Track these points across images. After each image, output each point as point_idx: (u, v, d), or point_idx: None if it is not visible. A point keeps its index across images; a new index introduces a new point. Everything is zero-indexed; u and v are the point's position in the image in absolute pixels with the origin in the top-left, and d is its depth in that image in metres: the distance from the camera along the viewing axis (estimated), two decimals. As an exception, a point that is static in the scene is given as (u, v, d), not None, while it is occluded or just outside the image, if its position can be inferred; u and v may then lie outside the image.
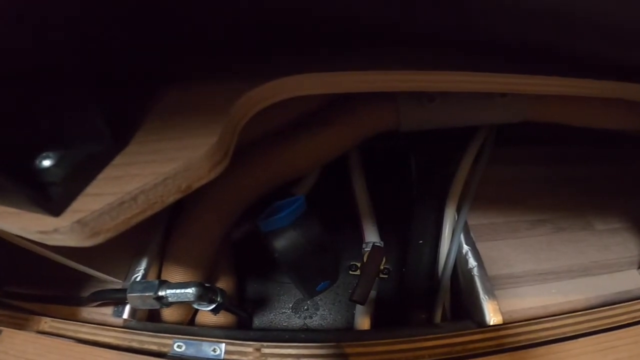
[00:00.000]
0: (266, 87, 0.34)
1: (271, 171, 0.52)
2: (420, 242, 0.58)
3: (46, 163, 0.24)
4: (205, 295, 0.38)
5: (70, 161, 0.24)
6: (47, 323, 0.41)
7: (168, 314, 0.48)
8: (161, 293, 0.37)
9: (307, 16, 0.37)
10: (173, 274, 0.48)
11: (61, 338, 0.40)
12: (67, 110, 0.26)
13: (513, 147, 0.70)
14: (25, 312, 0.43)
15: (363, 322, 0.54)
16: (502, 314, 0.45)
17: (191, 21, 0.36)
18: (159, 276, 0.50)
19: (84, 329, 0.41)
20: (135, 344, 0.39)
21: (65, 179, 0.23)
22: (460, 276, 0.54)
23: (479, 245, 0.53)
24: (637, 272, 0.55)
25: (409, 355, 0.38)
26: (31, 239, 0.23)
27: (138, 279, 0.46)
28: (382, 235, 0.59)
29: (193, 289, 0.37)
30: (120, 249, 0.47)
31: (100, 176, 0.25)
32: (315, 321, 0.62)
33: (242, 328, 0.57)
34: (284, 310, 0.62)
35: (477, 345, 0.40)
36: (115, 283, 0.46)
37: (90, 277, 0.45)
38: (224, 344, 0.39)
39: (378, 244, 0.57)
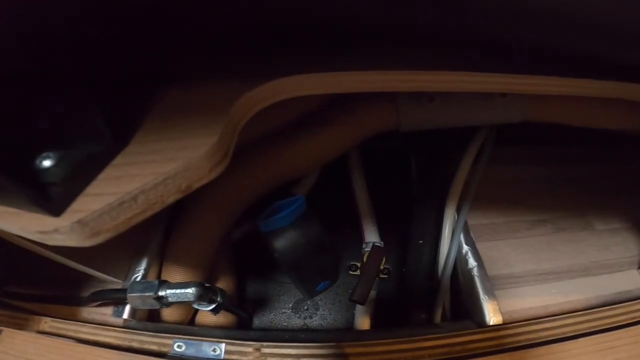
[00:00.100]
0: (266, 87, 0.34)
1: (271, 171, 0.52)
2: (420, 242, 0.58)
3: (46, 163, 0.24)
4: (205, 295, 0.38)
5: (70, 161, 0.24)
6: (47, 323, 0.41)
7: (168, 314, 0.48)
8: (161, 293, 0.37)
9: (307, 16, 0.37)
10: (173, 274, 0.48)
11: (61, 338, 0.40)
12: (67, 110, 0.26)
13: (513, 147, 0.70)
14: (25, 312, 0.43)
15: (363, 322, 0.54)
16: (502, 314, 0.45)
17: (191, 21, 0.36)
18: (159, 276, 0.50)
19: (84, 329, 0.41)
20: (135, 344, 0.39)
21: (65, 179, 0.23)
22: (460, 276, 0.54)
23: (479, 245, 0.53)
24: (637, 272, 0.55)
25: (409, 355, 0.38)
26: (31, 239, 0.23)
27: (138, 279, 0.46)
28: (382, 235, 0.59)
29: (193, 289, 0.37)
30: (120, 249, 0.47)
31: (101, 176, 0.25)
32: (315, 321, 0.62)
33: (242, 328, 0.57)
34: (284, 310, 0.62)
35: (477, 345, 0.40)
36: (115, 283, 0.46)
37: (90, 277, 0.45)
38: (224, 344, 0.39)
39: (378, 244, 0.57)
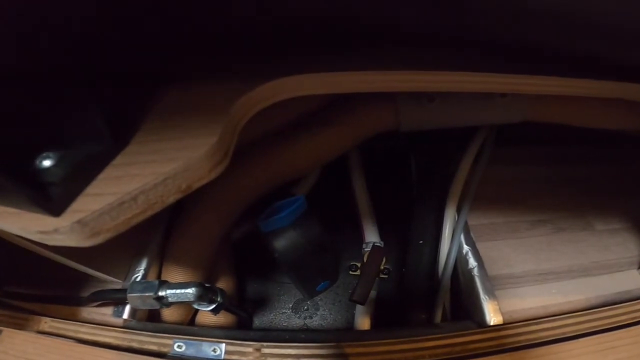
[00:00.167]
0: (266, 87, 0.34)
1: (271, 171, 0.52)
2: (420, 242, 0.58)
3: (46, 163, 0.24)
4: (205, 295, 0.38)
5: (70, 161, 0.24)
6: (47, 323, 0.41)
7: (168, 314, 0.48)
8: (161, 293, 0.37)
9: (307, 16, 0.37)
10: (173, 274, 0.48)
11: (61, 338, 0.40)
12: (67, 110, 0.26)
13: (513, 147, 0.70)
14: (25, 312, 0.43)
15: (363, 322, 0.54)
16: (502, 314, 0.45)
17: (191, 21, 0.36)
18: (159, 276, 0.50)
19: (84, 329, 0.41)
20: (135, 344, 0.39)
21: (65, 179, 0.23)
22: (460, 276, 0.54)
23: (479, 246, 0.53)
24: (637, 273, 0.55)
25: (409, 355, 0.38)
26: (31, 239, 0.23)
27: (138, 279, 0.46)
28: (382, 235, 0.59)
29: (193, 289, 0.37)
30: (120, 249, 0.47)
31: (101, 176, 0.25)
32: (315, 321, 0.62)
33: (242, 328, 0.57)
34: (284, 311, 0.62)
35: (477, 345, 0.40)
36: (115, 283, 0.46)
37: (90, 277, 0.45)
38: (224, 344, 0.39)
39: (378, 244, 0.57)
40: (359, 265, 0.65)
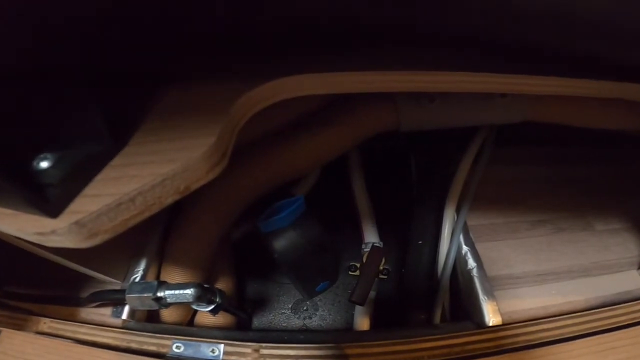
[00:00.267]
0: (266, 87, 0.34)
1: (271, 171, 0.52)
2: (420, 242, 0.58)
3: (44, 164, 0.24)
4: (204, 296, 0.38)
5: (69, 162, 0.24)
6: (46, 324, 0.41)
7: (167, 314, 0.48)
8: (160, 294, 0.37)
9: (307, 16, 0.37)
10: (172, 274, 0.48)
11: (60, 339, 0.40)
12: (67, 110, 0.25)
13: (513, 148, 0.70)
14: (25, 312, 0.43)
15: (362, 322, 0.54)
16: (502, 314, 0.45)
17: (191, 21, 0.36)
18: (157, 277, 0.50)
19: (82, 330, 0.41)
20: (134, 345, 0.39)
21: (63, 180, 0.23)
22: (459, 277, 0.54)
23: (478, 246, 0.53)
24: (637, 273, 0.55)
25: (408, 356, 0.38)
26: (29, 240, 0.23)
27: (137, 279, 0.46)
28: (382, 235, 0.59)
29: (192, 289, 0.37)
30: (119, 249, 0.47)
31: (99, 177, 0.25)
32: (314, 322, 0.62)
33: (241, 329, 0.57)
34: (283, 311, 0.62)
35: (476, 346, 0.40)
36: (114, 284, 0.46)
37: (89, 278, 0.45)
38: (222, 345, 0.39)
39: (377, 245, 0.57)
40: (358, 265, 0.65)
